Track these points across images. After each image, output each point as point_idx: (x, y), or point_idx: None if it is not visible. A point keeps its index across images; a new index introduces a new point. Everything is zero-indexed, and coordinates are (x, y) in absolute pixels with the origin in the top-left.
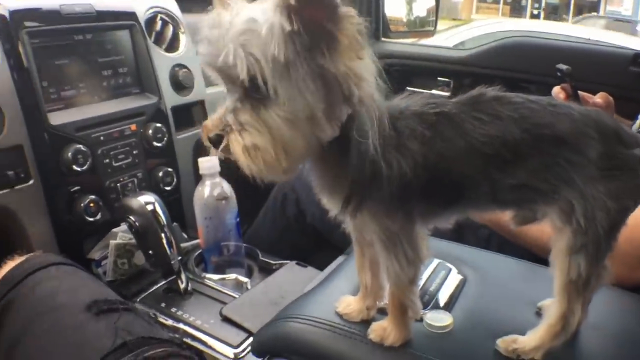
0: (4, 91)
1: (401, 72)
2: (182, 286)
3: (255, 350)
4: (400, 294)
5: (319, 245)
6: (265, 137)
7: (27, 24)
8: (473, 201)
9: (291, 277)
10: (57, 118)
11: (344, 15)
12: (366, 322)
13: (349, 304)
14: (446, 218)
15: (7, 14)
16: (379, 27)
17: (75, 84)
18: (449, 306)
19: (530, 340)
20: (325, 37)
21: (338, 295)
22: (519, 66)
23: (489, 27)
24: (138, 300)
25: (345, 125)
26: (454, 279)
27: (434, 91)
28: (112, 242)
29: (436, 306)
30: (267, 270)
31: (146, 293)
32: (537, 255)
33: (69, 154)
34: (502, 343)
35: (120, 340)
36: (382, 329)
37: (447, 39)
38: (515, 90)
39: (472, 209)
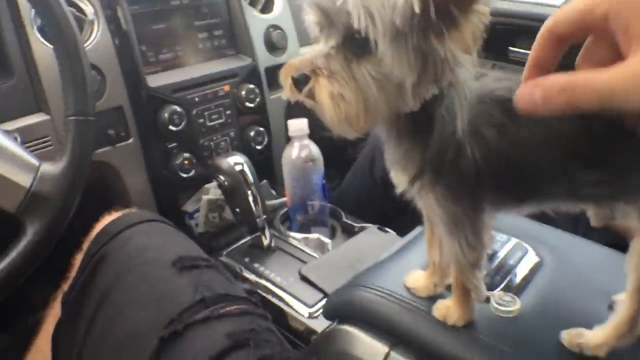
0: (106, 56)
1: (505, 31)
2: (265, 242)
3: (326, 313)
4: (463, 276)
5: (402, 211)
6: (352, 90)
7: None
8: (548, 196)
9: (371, 242)
10: (155, 80)
11: (477, 10)
12: (433, 298)
13: (417, 279)
14: (520, 210)
15: None
16: None
17: (172, 47)
18: (520, 289)
19: (595, 336)
20: (447, 22)
21: (410, 267)
22: None
23: None
24: (224, 253)
25: (428, 103)
26: (530, 260)
27: None
28: (205, 197)
29: (507, 287)
30: (349, 232)
31: (232, 247)
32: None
33: (166, 114)
34: (567, 336)
35: (199, 296)
36: (446, 308)
37: None
38: None
39: (547, 203)
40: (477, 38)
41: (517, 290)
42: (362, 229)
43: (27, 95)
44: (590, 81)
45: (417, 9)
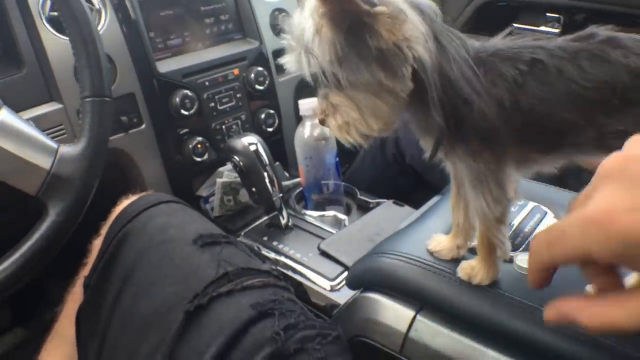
0: (115, 43)
1: (506, 7)
2: (283, 221)
3: (350, 283)
4: (488, 232)
5: (416, 185)
6: (354, 111)
7: None
8: (576, 147)
9: (388, 215)
10: (165, 66)
11: (377, 12)
12: (456, 261)
13: (440, 242)
14: (547, 163)
15: None
16: None
17: (180, 33)
18: None
19: None
20: (367, 27)
21: (430, 233)
22: None
23: None
24: (242, 233)
25: (417, 78)
26: (549, 222)
27: (542, 28)
28: (219, 180)
29: (528, 249)
30: (364, 209)
31: (250, 227)
32: None
33: (177, 99)
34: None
35: (223, 270)
36: (471, 268)
37: None
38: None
39: (576, 154)
40: (396, 24)
41: None
42: (377, 204)
43: (38, 85)
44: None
45: (329, 32)
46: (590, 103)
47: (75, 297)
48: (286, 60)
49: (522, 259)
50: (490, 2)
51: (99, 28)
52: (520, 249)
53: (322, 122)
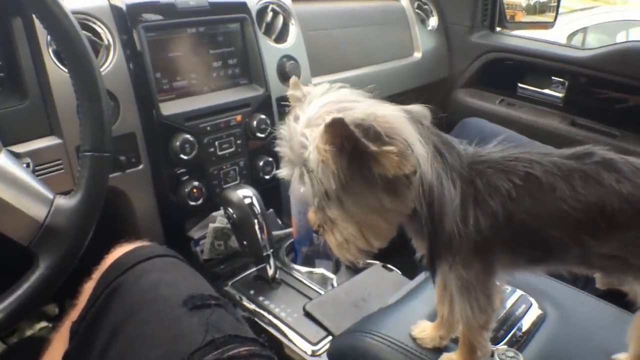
0: (120, 81)
1: (514, 67)
2: (270, 274)
3: (331, 356)
4: (471, 335)
5: (406, 248)
6: (353, 228)
7: (144, 16)
8: (560, 261)
9: (375, 280)
10: (169, 108)
11: (380, 153)
12: (438, 350)
13: (424, 330)
14: (530, 272)
15: (124, 7)
16: (495, 14)
17: (186, 75)
18: (523, 343)
19: None
20: (372, 157)
21: (416, 317)
22: None
23: (613, 14)
24: (230, 284)
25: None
26: (533, 314)
27: (546, 90)
28: (211, 225)
29: (511, 341)
30: (353, 268)
31: (237, 278)
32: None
33: (177, 142)
34: None
35: (210, 337)
36: None
37: (567, 24)
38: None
39: (558, 266)
40: (403, 162)
41: (520, 344)
42: (367, 265)
43: (40, 118)
44: None
45: (333, 165)
46: (578, 223)
47: (61, 338)
48: (284, 174)
49: (502, 355)
50: (498, 60)
51: (106, 64)
52: (503, 342)
53: (318, 232)
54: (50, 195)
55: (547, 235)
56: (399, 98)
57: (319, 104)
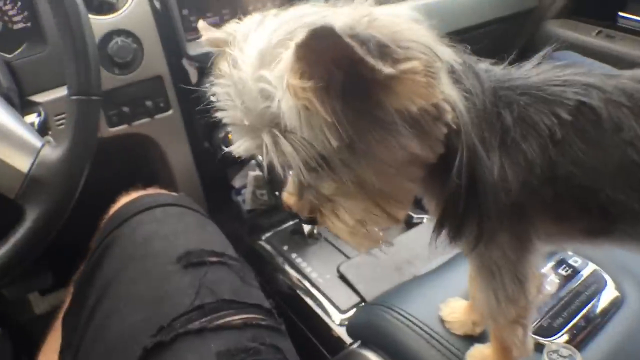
0: (143, 21)
1: None
2: (306, 230)
3: (350, 331)
4: (499, 332)
5: None
6: (365, 201)
7: None
8: (628, 235)
9: (425, 239)
10: (197, 47)
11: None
12: (468, 338)
13: (454, 311)
14: (591, 244)
15: None
16: None
17: (217, 10)
18: (586, 339)
19: None
20: (380, 89)
21: (449, 292)
22: None
23: None
24: (263, 238)
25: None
26: (608, 296)
27: None
28: (251, 173)
29: (571, 333)
30: (406, 223)
31: (272, 231)
32: None
33: (208, 84)
34: None
35: (199, 301)
36: (483, 357)
37: None
38: None
39: (628, 242)
40: (428, 87)
41: (581, 340)
42: (420, 220)
43: (59, 66)
44: None
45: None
46: None
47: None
48: (243, 148)
49: (553, 354)
50: None
51: (127, 4)
52: (559, 333)
53: (313, 222)
54: (37, 144)
55: (607, 197)
56: (476, 32)
57: (270, 30)
